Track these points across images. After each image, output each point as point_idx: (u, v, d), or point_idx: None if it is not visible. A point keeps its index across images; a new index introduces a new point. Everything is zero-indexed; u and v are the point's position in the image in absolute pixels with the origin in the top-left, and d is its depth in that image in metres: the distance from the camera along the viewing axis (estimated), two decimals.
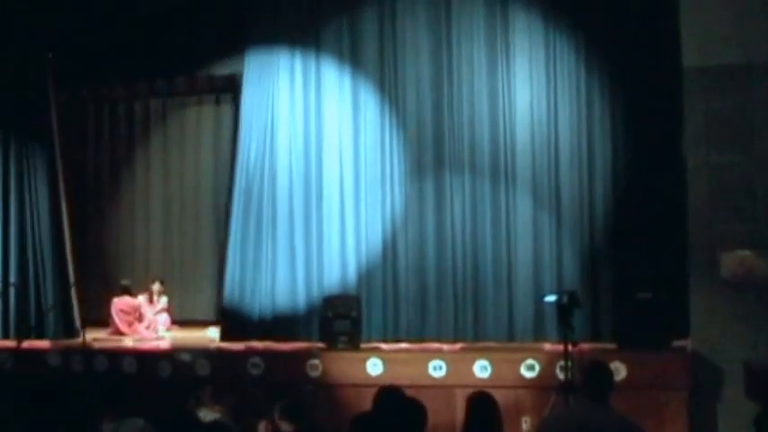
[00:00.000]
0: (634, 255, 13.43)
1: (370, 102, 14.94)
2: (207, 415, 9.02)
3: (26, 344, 14.03)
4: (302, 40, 15.43)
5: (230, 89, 18.01)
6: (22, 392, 11.49)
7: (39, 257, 16.44)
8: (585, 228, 13.73)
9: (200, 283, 18.70)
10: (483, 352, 12.97)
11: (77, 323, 16.00)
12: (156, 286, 17.17)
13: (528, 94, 14.13)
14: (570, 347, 10.49)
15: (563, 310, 10.58)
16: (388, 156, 14.80)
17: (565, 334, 10.61)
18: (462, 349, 13.54)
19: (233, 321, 15.13)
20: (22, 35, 16.83)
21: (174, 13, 16.46)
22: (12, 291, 16.31)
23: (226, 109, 18.70)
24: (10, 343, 14.84)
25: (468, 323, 14.15)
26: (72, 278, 16.39)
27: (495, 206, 14.17)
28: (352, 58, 15.11)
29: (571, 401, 10.02)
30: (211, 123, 18.92)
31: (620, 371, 11.50)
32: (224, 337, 14.98)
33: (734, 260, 11.96)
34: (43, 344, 15.26)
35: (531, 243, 13.97)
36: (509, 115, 14.16)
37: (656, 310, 12.36)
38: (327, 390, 12.78)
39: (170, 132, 19.25)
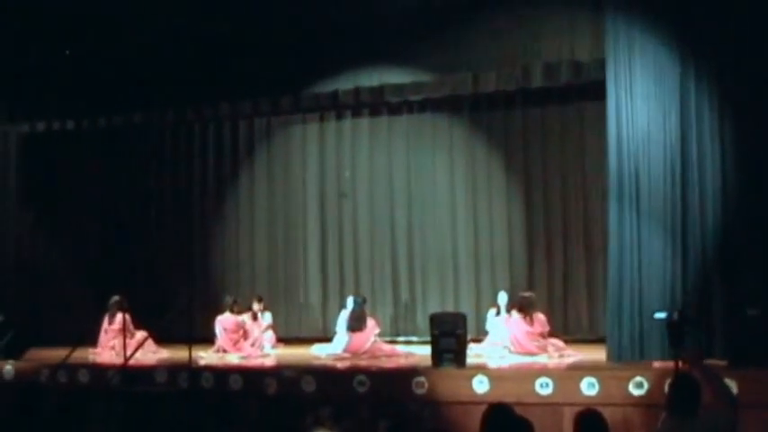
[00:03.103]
0: (745, 271, 13.16)
1: None
2: None
3: (133, 361, 14.15)
4: None
5: (333, 107, 18.13)
6: (130, 409, 11.64)
7: None
8: (697, 244, 13.44)
9: (305, 300, 18.79)
10: (590, 369, 12.83)
11: None
12: (256, 305, 17.09)
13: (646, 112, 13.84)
14: (680, 365, 10.30)
15: (673, 327, 10.42)
16: None
17: (675, 351, 10.43)
18: (569, 366, 13.41)
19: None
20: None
21: (279, 34, 16.63)
22: None
23: (330, 126, 18.80)
24: (118, 359, 15.00)
25: None
26: None
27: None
28: None
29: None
30: (316, 141, 19.01)
31: (731, 388, 11.27)
32: None
33: None
34: (150, 361, 15.43)
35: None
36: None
37: (767, 327, 12.14)
38: (434, 407, 12.69)
39: (274, 150, 19.41)
